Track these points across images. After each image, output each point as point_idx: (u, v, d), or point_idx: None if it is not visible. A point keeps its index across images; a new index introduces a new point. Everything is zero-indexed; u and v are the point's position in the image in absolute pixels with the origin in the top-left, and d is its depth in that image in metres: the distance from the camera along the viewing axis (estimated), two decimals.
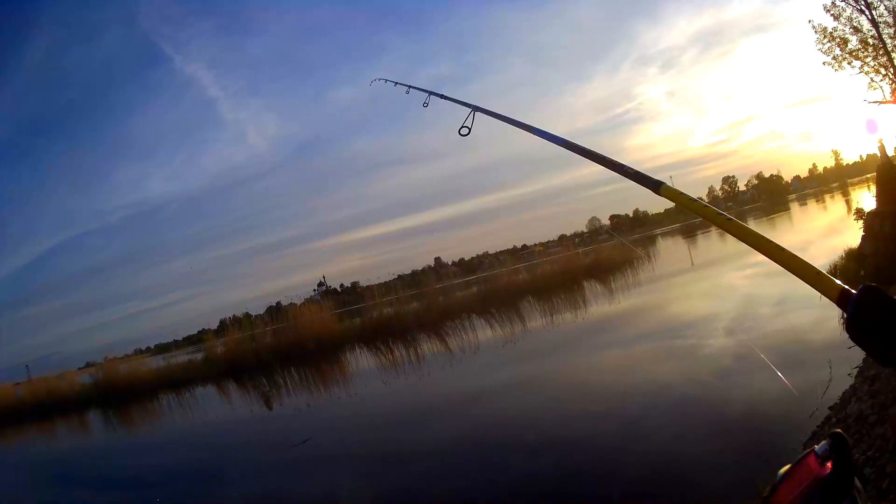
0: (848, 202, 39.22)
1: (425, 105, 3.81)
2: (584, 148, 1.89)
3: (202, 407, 18.02)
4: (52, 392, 25.73)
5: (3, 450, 19.45)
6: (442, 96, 3.57)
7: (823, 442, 1.07)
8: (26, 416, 23.78)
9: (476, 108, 2.85)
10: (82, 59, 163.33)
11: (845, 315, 0.93)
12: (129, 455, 13.30)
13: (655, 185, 1.46)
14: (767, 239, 1.09)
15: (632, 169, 1.60)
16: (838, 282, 0.98)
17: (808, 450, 1.09)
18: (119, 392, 23.67)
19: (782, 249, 1.06)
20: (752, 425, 5.92)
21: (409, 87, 4.20)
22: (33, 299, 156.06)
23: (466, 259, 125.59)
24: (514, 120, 2.49)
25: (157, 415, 18.93)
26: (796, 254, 1.04)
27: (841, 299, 0.95)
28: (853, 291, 0.94)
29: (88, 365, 34.89)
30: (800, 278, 1.04)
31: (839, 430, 1.14)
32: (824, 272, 1.00)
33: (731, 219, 1.19)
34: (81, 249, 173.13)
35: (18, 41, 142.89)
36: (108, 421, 20.22)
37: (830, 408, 5.48)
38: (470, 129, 2.87)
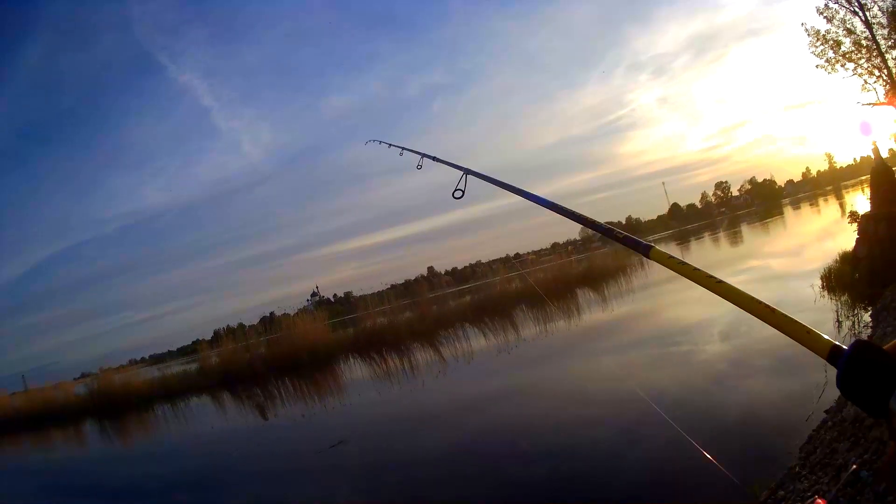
0: (842, 205, 39.36)
1: (419, 167, 3.87)
2: (576, 213, 1.90)
3: (197, 418, 17.95)
4: (48, 402, 25.80)
5: None
6: (435, 159, 3.60)
7: None
8: (22, 426, 23.81)
9: (468, 171, 2.86)
10: (77, 67, 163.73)
11: (837, 372, 0.91)
12: (122, 465, 13.25)
13: (645, 249, 1.46)
14: (758, 300, 1.08)
15: (621, 233, 1.62)
16: (828, 338, 0.96)
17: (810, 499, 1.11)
18: (114, 403, 23.62)
19: (773, 310, 1.05)
20: (748, 429, 5.89)
21: (403, 148, 4.25)
22: (29, 309, 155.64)
23: (459, 268, 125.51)
24: (506, 184, 2.50)
25: (153, 425, 18.89)
26: (787, 313, 1.03)
27: (832, 356, 0.94)
28: (844, 348, 0.92)
29: (84, 375, 34.98)
30: (791, 337, 1.02)
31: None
32: (815, 330, 0.98)
33: (721, 281, 1.18)
34: (78, 259, 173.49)
35: (14, 48, 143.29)
36: (103, 431, 20.14)
37: (826, 411, 5.45)
38: (463, 192, 2.87)
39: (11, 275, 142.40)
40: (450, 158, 3.20)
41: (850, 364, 0.89)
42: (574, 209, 1.92)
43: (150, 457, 13.60)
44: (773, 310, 1.05)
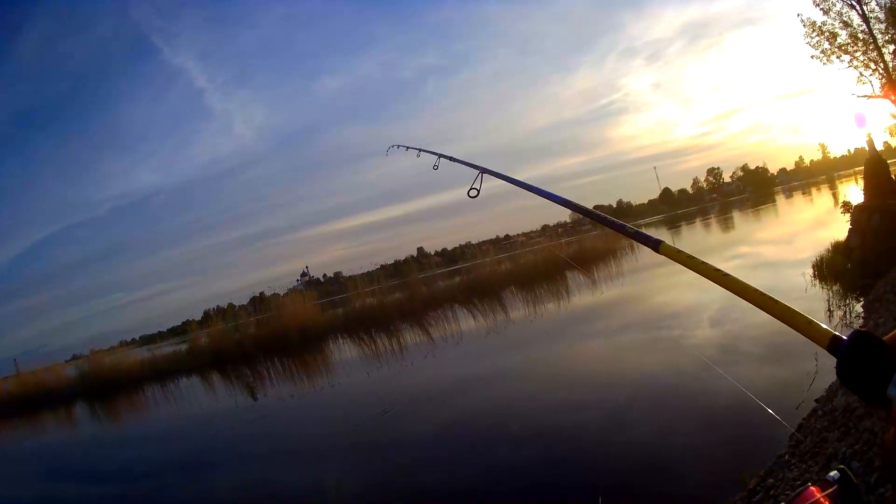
0: (835, 195, 39.45)
1: (435, 168, 3.86)
2: (594, 212, 1.96)
3: (187, 398, 18.00)
4: (39, 385, 25.87)
5: None
6: (452, 159, 3.62)
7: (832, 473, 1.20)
8: (14, 410, 23.86)
9: (483, 171, 2.84)
10: (74, 51, 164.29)
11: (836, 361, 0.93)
12: (113, 447, 13.33)
13: (655, 244, 1.51)
14: (762, 292, 1.14)
15: (632, 228, 1.69)
16: (828, 328, 0.99)
17: (803, 486, 1.20)
18: (105, 384, 23.75)
19: (776, 302, 1.10)
20: (737, 417, 5.86)
21: (420, 150, 4.27)
22: (22, 292, 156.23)
23: (449, 249, 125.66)
24: (521, 182, 2.51)
25: (143, 406, 18.90)
26: (789, 304, 1.08)
27: (832, 346, 0.96)
28: (843, 338, 0.95)
29: (75, 357, 35.02)
30: (792, 328, 1.06)
31: (843, 467, 1.23)
32: (815, 321, 1.02)
33: (727, 274, 1.23)
34: (70, 241, 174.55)
35: (12, 33, 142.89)
36: (94, 413, 20.20)
37: (817, 400, 5.44)
38: (479, 191, 2.86)
39: (3, 258, 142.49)
40: (462, 154, 3.21)
41: (850, 353, 0.91)
42: (591, 208, 1.97)
43: (141, 438, 13.61)
44: (776, 301, 1.09)
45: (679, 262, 1.39)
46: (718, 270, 1.25)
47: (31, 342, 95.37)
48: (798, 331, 1.04)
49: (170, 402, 18.36)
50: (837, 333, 0.96)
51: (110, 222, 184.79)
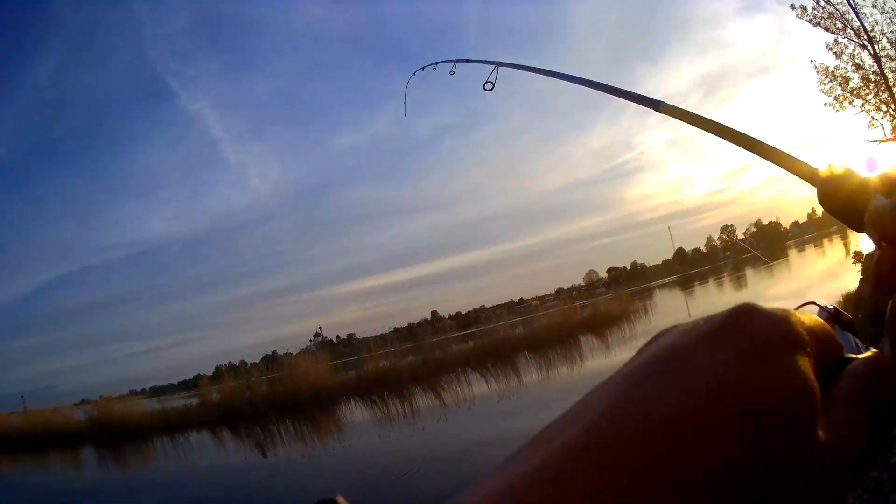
0: (846, 245, 39.22)
1: (452, 73, 3.98)
2: (600, 83, 2.02)
3: (196, 452, 18.05)
4: (47, 425, 25.75)
5: None
6: (468, 61, 3.74)
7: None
8: (20, 446, 23.81)
9: (499, 64, 2.93)
10: (88, 85, 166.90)
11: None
12: (118, 493, 13.28)
13: (656, 104, 1.63)
14: (749, 135, 1.27)
15: (632, 92, 1.80)
16: (808, 163, 1.12)
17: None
18: (113, 431, 23.55)
19: (761, 143, 1.24)
20: None
21: (436, 63, 4.36)
22: (31, 330, 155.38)
23: (463, 312, 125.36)
24: (537, 68, 2.58)
25: (151, 456, 18.95)
26: (775, 146, 1.21)
27: (811, 178, 1.08)
28: (820, 169, 1.05)
29: (83, 402, 35.13)
30: (778, 166, 1.19)
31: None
32: (798, 158, 1.15)
33: (720, 123, 1.36)
34: (82, 284, 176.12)
35: (26, 65, 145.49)
36: (101, 459, 20.17)
37: None
38: (494, 85, 2.95)
39: (15, 294, 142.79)
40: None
41: (825, 182, 0.98)
42: (599, 80, 2.04)
43: (149, 486, 13.49)
44: (761, 142, 1.24)
45: (679, 119, 1.53)
46: (716, 122, 1.38)
47: (37, 381, 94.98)
48: (782, 167, 1.16)
49: (180, 454, 18.43)
50: (816, 168, 1.07)
51: (123, 268, 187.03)
